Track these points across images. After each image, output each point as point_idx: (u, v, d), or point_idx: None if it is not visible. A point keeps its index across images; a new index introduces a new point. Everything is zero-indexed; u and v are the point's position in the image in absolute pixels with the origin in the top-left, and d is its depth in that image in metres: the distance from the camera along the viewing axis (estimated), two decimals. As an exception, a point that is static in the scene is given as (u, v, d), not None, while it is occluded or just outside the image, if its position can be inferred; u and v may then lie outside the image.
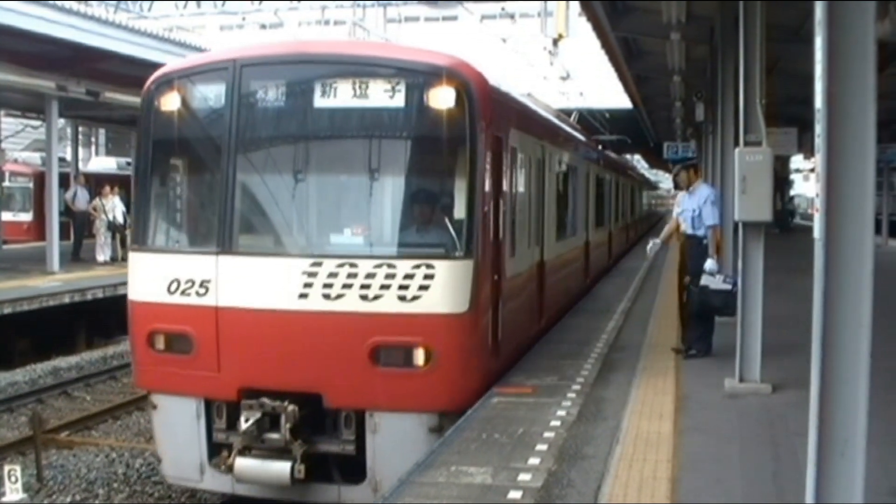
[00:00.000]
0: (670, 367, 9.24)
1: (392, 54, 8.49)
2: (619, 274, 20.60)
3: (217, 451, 7.77)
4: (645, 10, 14.14)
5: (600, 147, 22.80)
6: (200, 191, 8.59)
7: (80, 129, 32.25)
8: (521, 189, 9.77)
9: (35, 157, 30.13)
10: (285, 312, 7.46)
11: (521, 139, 9.69)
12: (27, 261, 20.42)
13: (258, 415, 7.34)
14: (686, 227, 9.80)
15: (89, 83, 18.77)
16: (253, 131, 7.98)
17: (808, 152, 27.98)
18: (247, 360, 7.60)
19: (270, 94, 7.86)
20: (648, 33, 15.29)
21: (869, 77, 3.55)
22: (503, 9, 25.48)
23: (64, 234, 20.97)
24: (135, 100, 11.46)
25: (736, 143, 8.61)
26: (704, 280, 9.12)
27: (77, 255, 21.57)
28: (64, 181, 22.80)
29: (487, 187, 7.83)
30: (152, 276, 7.92)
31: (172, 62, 9.38)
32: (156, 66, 9.19)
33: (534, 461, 6.05)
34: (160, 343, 7.91)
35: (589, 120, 32.76)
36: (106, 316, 16.61)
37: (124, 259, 16.13)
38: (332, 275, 7.38)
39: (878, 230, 25.49)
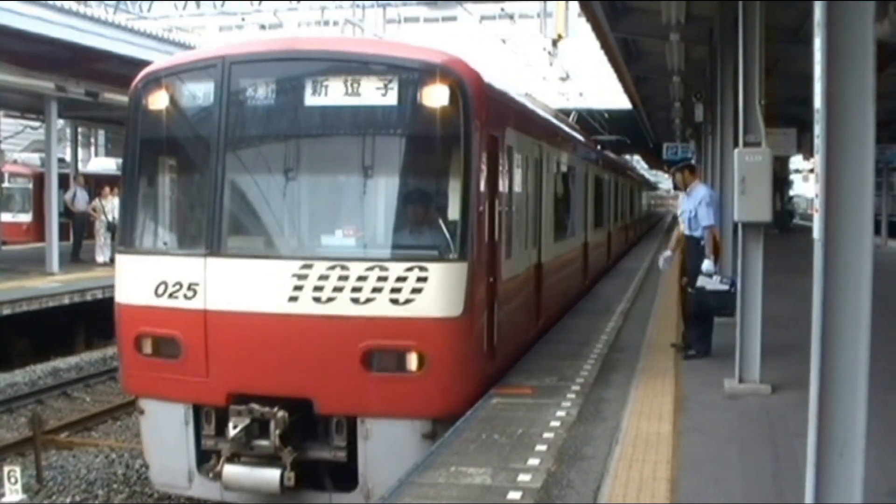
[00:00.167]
0: (670, 368, 9.23)
1: (384, 51, 8.27)
2: (618, 274, 20.59)
3: (206, 457, 7.63)
4: (644, 10, 14.14)
5: (599, 147, 22.75)
6: (189, 191, 8.40)
7: (80, 129, 32.24)
8: (517, 189, 9.58)
9: (34, 158, 30.07)
10: (275, 316, 7.28)
11: (518, 138, 9.54)
12: (27, 262, 20.40)
13: (247, 421, 7.15)
14: (684, 228, 9.82)
15: (88, 84, 18.75)
16: (242, 130, 7.81)
17: (808, 153, 27.93)
18: (236, 364, 7.42)
19: (260, 93, 7.63)
20: (648, 34, 15.27)
21: (868, 78, 3.55)
22: (503, 9, 25.52)
23: (63, 235, 20.97)
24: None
25: (735, 144, 8.59)
26: (701, 281, 9.10)
27: (76, 256, 21.54)
28: (63, 182, 22.81)
29: (482, 188, 7.63)
30: (139, 279, 7.77)
31: (160, 60, 9.21)
32: (155, 66, 9.14)
33: (533, 462, 6.04)
34: (148, 347, 7.75)
35: (588, 120, 32.70)
36: (105, 317, 16.50)
37: (124, 260, 16.09)
38: (323, 277, 7.21)
39: (877, 231, 25.49)
